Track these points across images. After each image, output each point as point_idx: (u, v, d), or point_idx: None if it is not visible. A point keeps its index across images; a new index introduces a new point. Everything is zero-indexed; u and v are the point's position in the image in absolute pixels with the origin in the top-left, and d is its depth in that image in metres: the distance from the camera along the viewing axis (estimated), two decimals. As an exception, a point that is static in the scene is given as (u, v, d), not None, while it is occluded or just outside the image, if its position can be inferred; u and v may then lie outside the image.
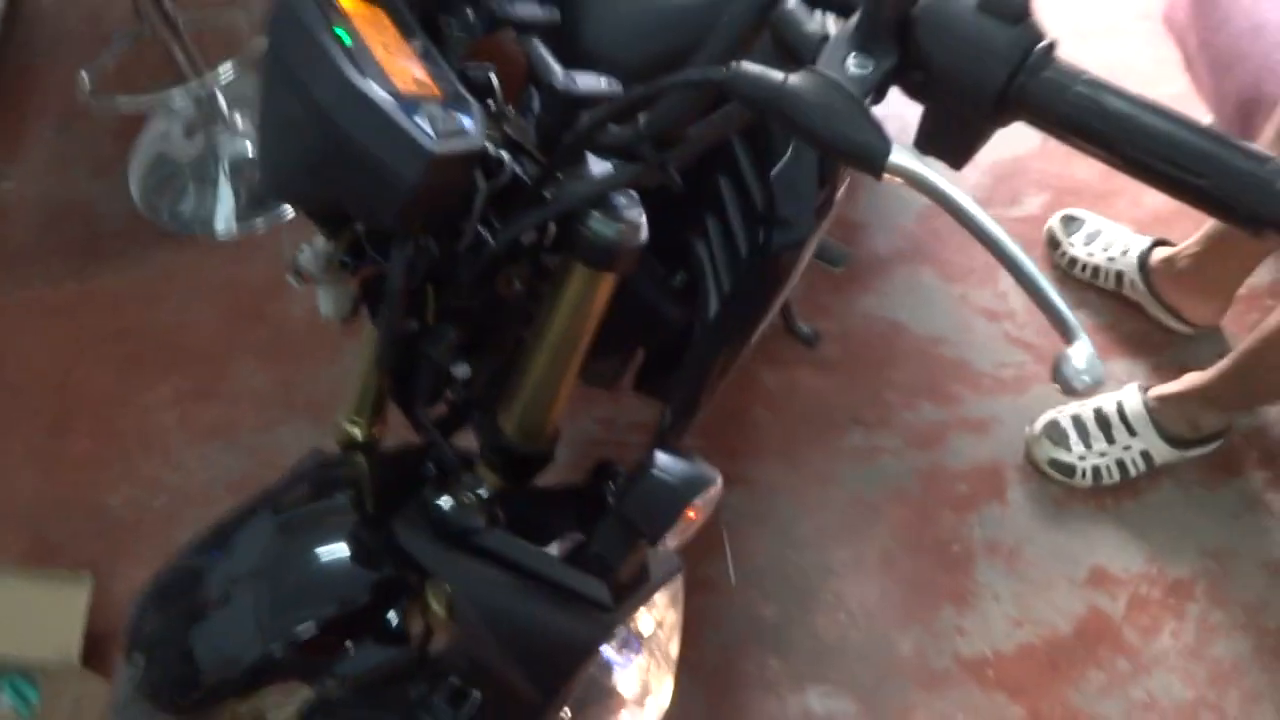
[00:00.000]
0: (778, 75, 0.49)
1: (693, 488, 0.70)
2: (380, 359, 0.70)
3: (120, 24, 2.13)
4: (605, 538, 0.73)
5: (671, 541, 0.73)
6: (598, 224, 0.63)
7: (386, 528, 0.90)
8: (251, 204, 1.97)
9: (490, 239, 0.64)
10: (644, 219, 0.64)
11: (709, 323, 0.88)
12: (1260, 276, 1.74)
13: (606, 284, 0.67)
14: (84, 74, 1.85)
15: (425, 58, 0.62)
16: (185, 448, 1.68)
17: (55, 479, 1.65)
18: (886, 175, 0.47)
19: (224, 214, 1.95)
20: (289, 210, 1.93)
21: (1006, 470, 1.61)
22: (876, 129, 0.47)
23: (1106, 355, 1.72)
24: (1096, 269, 1.77)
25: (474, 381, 0.73)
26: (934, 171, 0.47)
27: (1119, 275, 1.75)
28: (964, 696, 1.41)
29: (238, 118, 2.01)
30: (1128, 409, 1.56)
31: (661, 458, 0.71)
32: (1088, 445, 1.56)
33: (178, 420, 1.71)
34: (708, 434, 1.61)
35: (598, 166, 0.65)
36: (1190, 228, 1.65)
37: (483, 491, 0.73)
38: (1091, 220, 1.83)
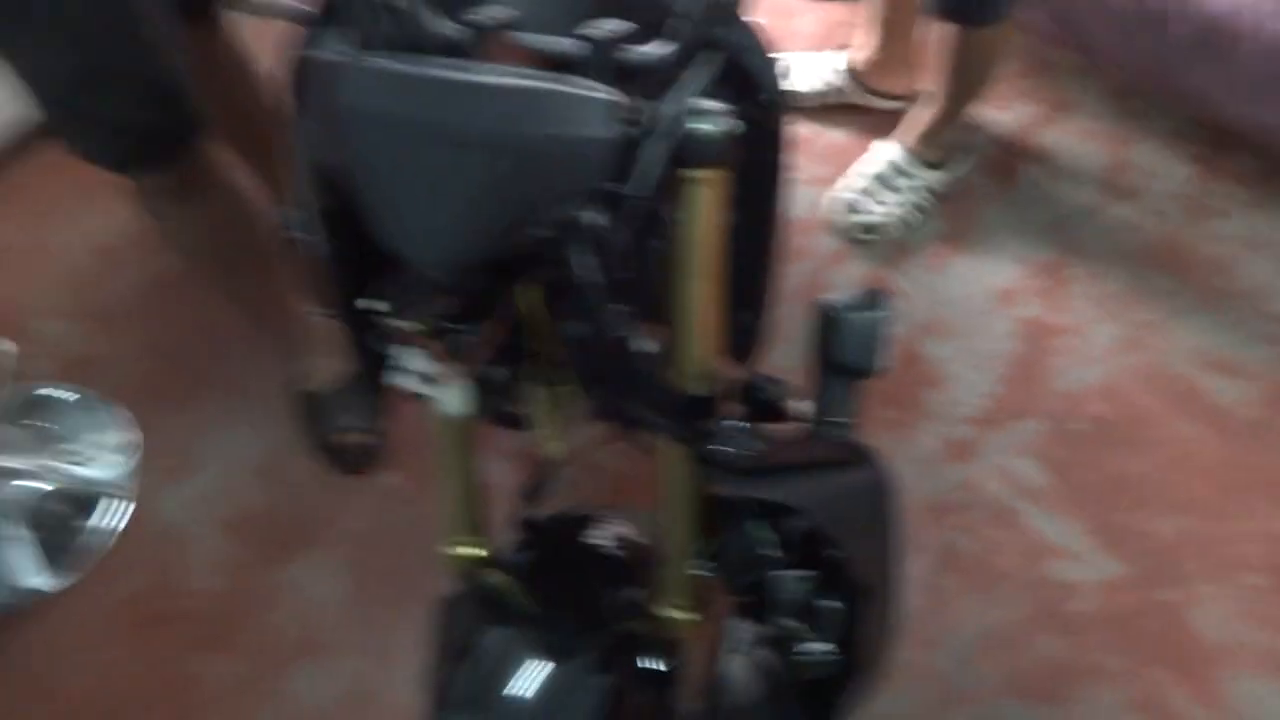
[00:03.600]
0: None
1: (882, 307, 0.76)
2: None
3: None
4: (833, 398, 0.78)
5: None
6: (701, 122, 0.66)
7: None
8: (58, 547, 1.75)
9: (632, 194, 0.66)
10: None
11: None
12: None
13: (722, 183, 0.71)
14: None
15: None
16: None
17: None
18: None
19: (31, 570, 1.70)
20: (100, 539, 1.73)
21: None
22: None
23: (856, 148, 1.92)
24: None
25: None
26: None
27: (838, 90, 1.98)
28: (995, 446, 1.59)
29: (6, 463, 1.79)
30: (897, 159, 1.83)
31: (832, 299, 0.76)
32: (881, 202, 1.82)
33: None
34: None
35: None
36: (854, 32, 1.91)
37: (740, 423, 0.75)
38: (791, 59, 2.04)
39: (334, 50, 0.61)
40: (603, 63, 0.65)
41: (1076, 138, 1.93)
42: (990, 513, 1.53)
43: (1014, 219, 1.83)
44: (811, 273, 1.81)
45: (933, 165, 1.81)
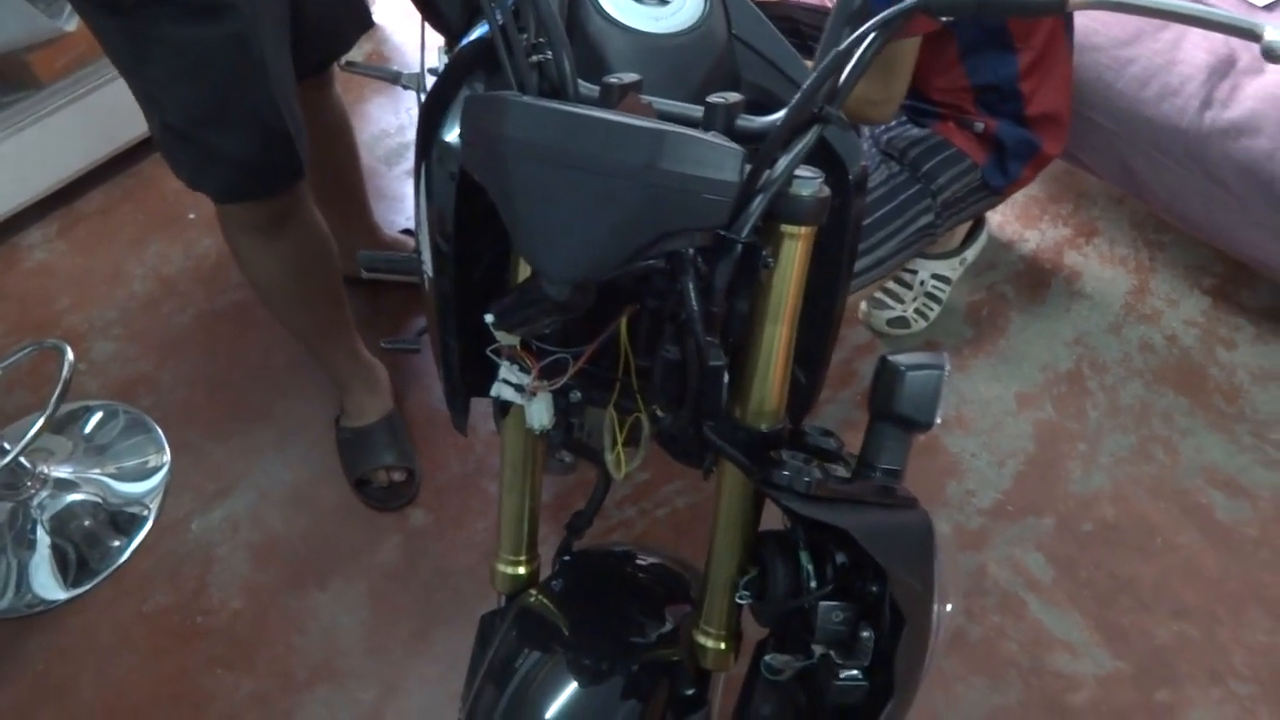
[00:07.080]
0: None
1: (941, 365, 0.84)
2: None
3: None
4: (885, 446, 0.85)
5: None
6: (801, 186, 0.76)
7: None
8: (81, 559, 1.80)
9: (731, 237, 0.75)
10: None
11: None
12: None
13: (809, 239, 0.80)
14: None
15: None
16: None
17: None
18: (1072, 6, 0.66)
19: (53, 578, 1.77)
20: (125, 554, 1.78)
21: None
22: None
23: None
24: None
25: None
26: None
27: None
28: (1006, 537, 1.65)
29: (45, 470, 1.84)
30: None
31: (896, 355, 0.84)
32: (900, 300, 1.93)
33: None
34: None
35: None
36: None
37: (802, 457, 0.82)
38: None
39: (503, 92, 0.70)
40: (723, 127, 0.74)
41: (1102, 261, 2.05)
42: (997, 600, 1.58)
43: (1038, 330, 1.93)
44: (844, 361, 1.90)
45: (939, 256, 1.91)
